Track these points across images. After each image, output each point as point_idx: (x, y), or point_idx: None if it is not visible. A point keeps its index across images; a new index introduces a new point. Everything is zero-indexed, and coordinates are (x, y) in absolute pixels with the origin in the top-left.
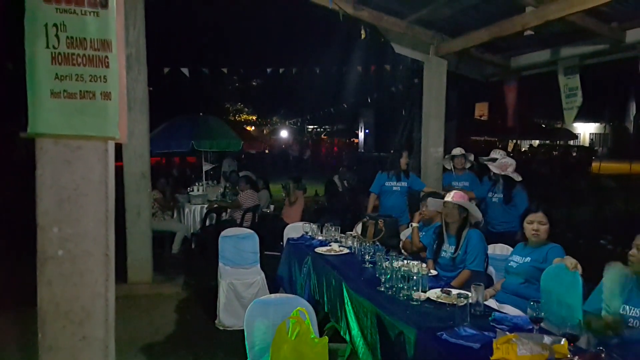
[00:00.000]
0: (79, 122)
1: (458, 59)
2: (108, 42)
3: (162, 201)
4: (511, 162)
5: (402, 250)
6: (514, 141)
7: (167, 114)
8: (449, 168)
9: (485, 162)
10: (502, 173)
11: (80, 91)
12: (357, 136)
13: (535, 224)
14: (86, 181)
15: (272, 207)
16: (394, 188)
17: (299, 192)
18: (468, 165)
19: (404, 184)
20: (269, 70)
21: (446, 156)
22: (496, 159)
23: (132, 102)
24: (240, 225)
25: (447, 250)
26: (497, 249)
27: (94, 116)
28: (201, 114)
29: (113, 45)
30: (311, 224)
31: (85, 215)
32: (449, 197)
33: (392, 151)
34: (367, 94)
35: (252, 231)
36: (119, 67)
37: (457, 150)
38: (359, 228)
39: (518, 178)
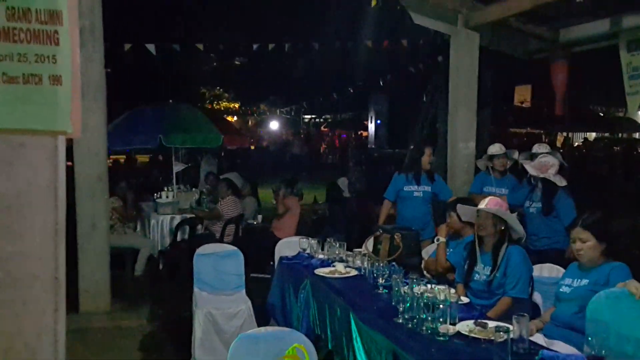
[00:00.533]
0: (22, 113)
1: (493, 31)
2: (58, 13)
3: (122, 210)
4: (553, 162)
5: (425, 272)
6: (564, 134)
7: (128, 102)
8: (482, 169)
9: (522, 162)
10: (541, 175)
11: (24, 74)
12: (366, 128)
13: (578, 242)
14: (31, 187)
15: (260, 217)
16: (415, 194)
17: (294, 198)
18: (509, 164)
19: (427, 188)
20: (255, 46)
21: (483, 157)
22: (536, 155)
23: (86, 87)
24: (221, 240)
25: (482, 271)
26: (545, 271)
27: (41, 105)
28: (171, 101)
29: (64, 17)
30: (309, 238)
31: (29, 229)
32: (483, 205)
33: (411, 147)
34: (379, 76)
35: (235, 248)
36: (72, 44)
37: (495, 148)
38: (369, 244)
39: (561, 182)
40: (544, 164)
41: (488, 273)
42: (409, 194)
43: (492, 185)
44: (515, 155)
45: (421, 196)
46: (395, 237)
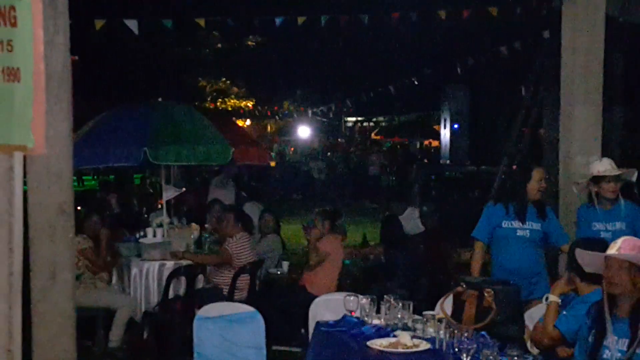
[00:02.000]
0: None
1: None
2: None
3: (92, 255)
4: None
5: (530, 345)
6: None
7: (101, 102)
8: (581, 198)
9: None
10: None
11: None
12: (436, 135)
13: None
14: None
15: (285, 264)
16: (519, 233)
17: (335, 238)
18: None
19: (537, 226)
20: (278, 20)
21: (580, 179)
22: None
23: (45, 83)
24: (230, 297)
25: (614, 346)
26: None
27: None
28: (160, 99)
29: None
30: (358, 296)
31: None
32: (613, 249)
33: (503, 164)
34: (456, 61)
35: (251, 308)
36: (34, 25)
37: (604, 166)
38: (447, 304)
39: None
40: None
41: (624, 349)
42: (510, 233)
43: (599, 219)
44: (634, 176)
45: (527, 236)
46: (486, 294)
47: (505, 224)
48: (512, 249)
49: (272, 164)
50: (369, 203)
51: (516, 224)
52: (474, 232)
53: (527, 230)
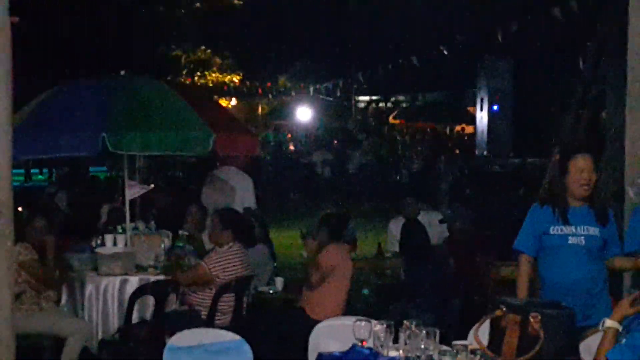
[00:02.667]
0: None
1: None
2: None
3: (36, 269)
4: None
5: None
6: None
7: (49, 76)
8: (636, 200)
9: None
10: None
11: None
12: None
13: None
14: None
15: (280, 281)
16: (570, 241)
17: (341, 249)
18: None
19: (594, 231)
20: None
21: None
22: None
23: None
24: (210, 322)
25: None
26: None
27: None
28: (122, 72)
29: None
30: (371, 321)
31: None
32: None
33: (555, 155)
34: (495, 25)
35: (237, 336)
36: None
37: None
38: (483, 332)
39: None
40: None
41: None
42: (561, 242)
43: None
44: None
45: (583, 244)
46: (532, 319)
47: (554, 231)
48: (563, 262)
49: (265, 155)
50: (385, 204)
51: (568, 229)
52: (515, 243)
53: (582, 237)
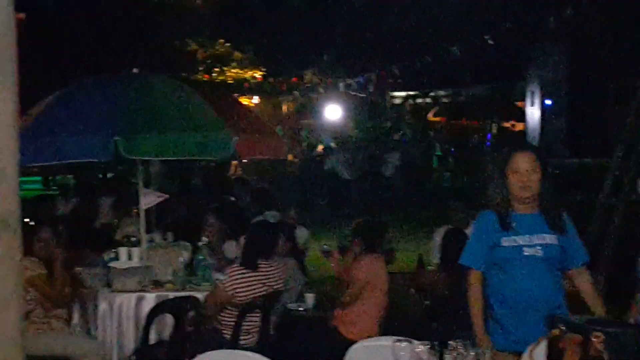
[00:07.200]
0: None
1: None
2: None
3: (44, 284)
4: None
5: None
6: None
7: (57, 75)
8: None
9: None
10: None
11: None
12: (521, 116)
13: None
14: None
15: (310, 298)
16: (525, 252)
17: (375, 259)
18: None
19: (552, 239)
20: None
21: None
22: None
23: None
24: (234, 343)
25: None
26: None
27: None
28: (135, 70)
29: None
30: (412, 341)
31: None
32: None
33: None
34: (547, 10)
35: (263, 359)
36: None
37: None
38: (540, 354)
39: None
40: None
41: None
42: (514, 254)
43: None
44: None
45: (540, 255)
46: (594, 339)
47: (505, 242)
48: (518, 276)
49: (290, 157)
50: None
51: (522, 239)
52: (462, 257)
53: (539, 247)
